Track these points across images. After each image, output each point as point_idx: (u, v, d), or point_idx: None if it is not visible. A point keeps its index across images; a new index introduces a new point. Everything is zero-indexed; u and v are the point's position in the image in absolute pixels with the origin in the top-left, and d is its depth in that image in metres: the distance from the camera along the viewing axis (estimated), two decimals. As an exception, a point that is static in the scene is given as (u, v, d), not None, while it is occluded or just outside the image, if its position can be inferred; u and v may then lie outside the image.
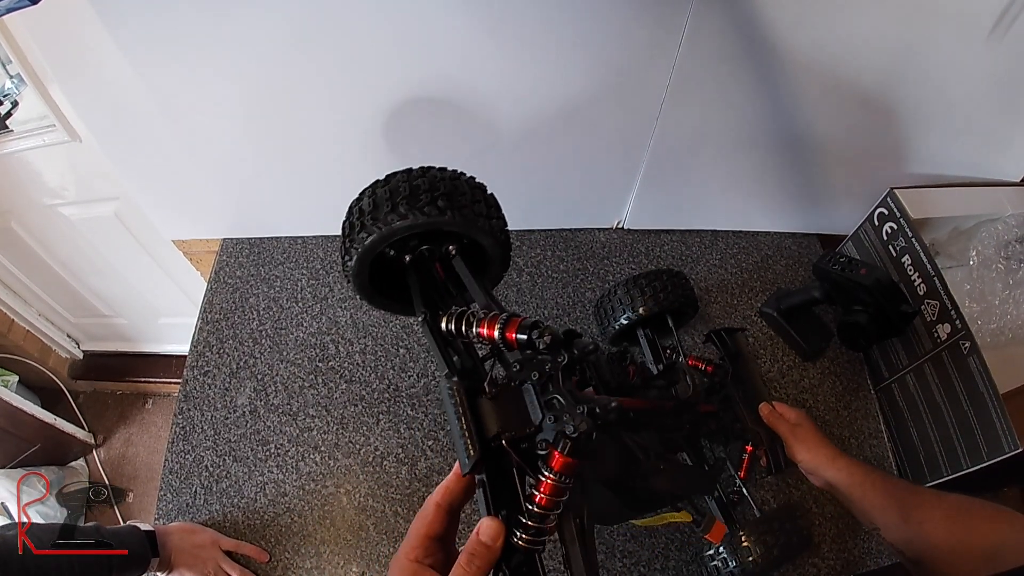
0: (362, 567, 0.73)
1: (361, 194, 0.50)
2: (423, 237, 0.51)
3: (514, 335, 0.40)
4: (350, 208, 0.51)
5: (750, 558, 0.61)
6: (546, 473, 0.35)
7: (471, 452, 0.35)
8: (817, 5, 0.65)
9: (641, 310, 0.76)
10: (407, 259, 0.51)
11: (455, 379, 0.39)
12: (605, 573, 0.73)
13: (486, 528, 0.35)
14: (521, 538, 0.35)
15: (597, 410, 0.36)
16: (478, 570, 0.34)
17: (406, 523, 0.75)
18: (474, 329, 0.42)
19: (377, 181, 0.50)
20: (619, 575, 0.73)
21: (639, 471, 0.47)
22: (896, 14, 0.67)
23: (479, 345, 0.43)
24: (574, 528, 0.37)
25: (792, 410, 0.71)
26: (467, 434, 0.36)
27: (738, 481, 0.72)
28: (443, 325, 0.44)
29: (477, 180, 0.52)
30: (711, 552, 0.65)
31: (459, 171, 0.51)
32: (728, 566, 0.63)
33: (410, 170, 0.49)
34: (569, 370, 0.38)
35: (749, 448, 0.73)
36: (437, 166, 0.51)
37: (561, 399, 0.37)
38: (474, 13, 0.65)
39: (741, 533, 0.63)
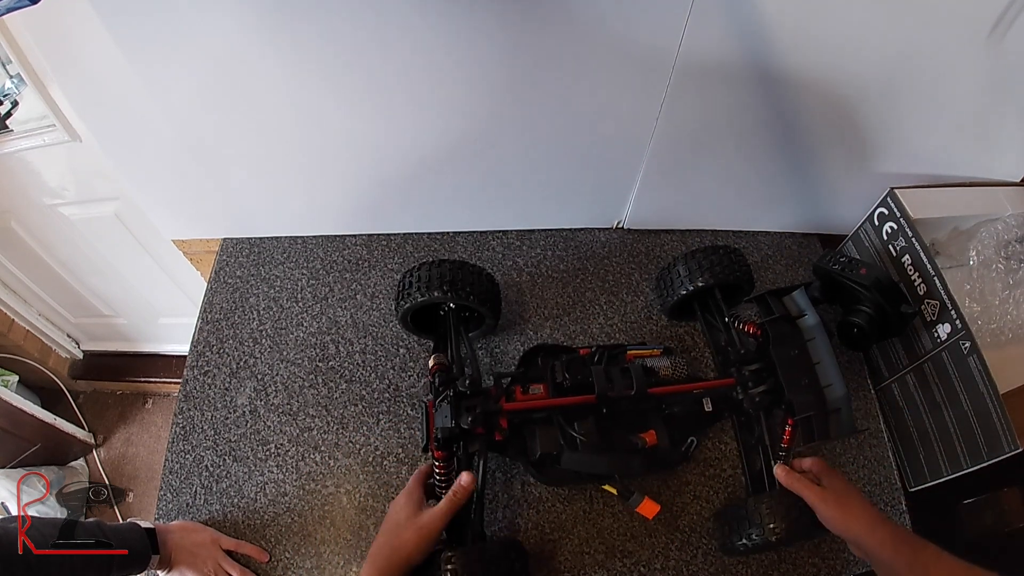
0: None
1: (405, 273, 0.76)
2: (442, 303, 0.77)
3: (433, 373, 0.70)
4: (399, 281, 0.77)
5: (770, 525, 0.65)
6: (434, 456, 0.66)
7: (425, 441, 0.66)
8: (817, 5, 0.65)
9: (700, 282, 0.80)
10: (442, 311, 0.80)
11: (428, 398, 0.70)
12: (605, 573, 0.73)
13: (465, 477, 0.64)
14: (440, 487, 0.66)
15: (462, 422, 0.64)
16: (459, 500, 0.63)
17: (406, 523, 0.75)
18: (430, 364, 0.72)
19: (414, 266, 0.75)
20: (619, 575, 0.73)
21: (556, 455, 0.69)
22: (896, 14, 0.67)
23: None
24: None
25: (811, 462, 0.67)
26: (426, 430, 0.67)
27: (780, 451, 0.72)
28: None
29: (482, 268, 0.77)
30: (744, 513, 0.69)
31: (467, 261, 0.76)
32: (751, 531, 0.67)
33: (432, 262, 0.75)
34: (458, 396, 0.66)
35: (791, 420, 0.71)
36: (452, 258, 0.75)
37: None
38: (473, 13, 0.65)
39: (765, 503, 0.67)
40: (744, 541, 0.68)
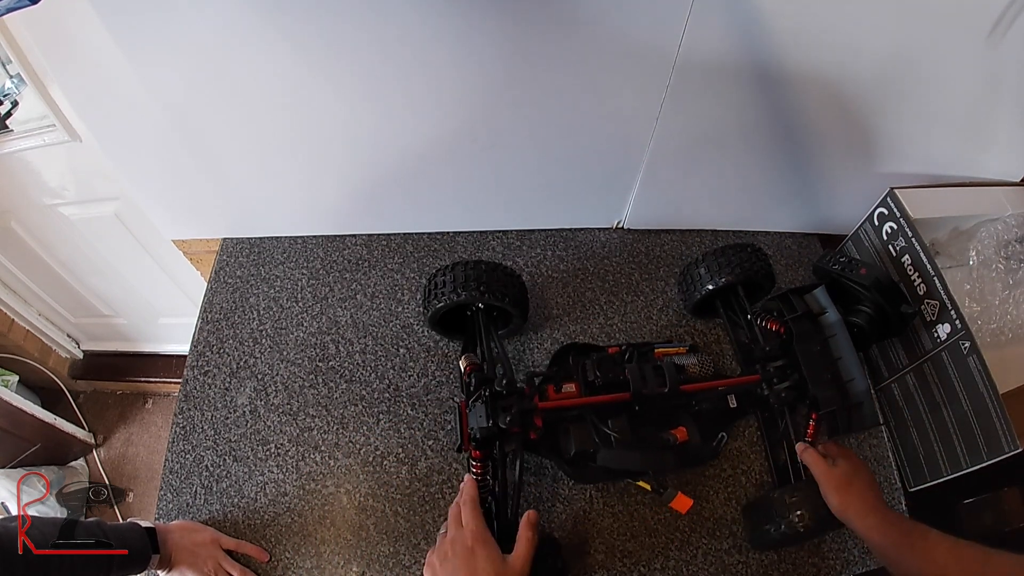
0: (362, 567, 0.73)
1: (437, 272, 0.76)
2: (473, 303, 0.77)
3: (467, 374, 0.70)
4: (430, 280, 0.77)
5: (797, 513, 0.66)
6: (471, 456, 0.66)
7: (459, 440, 0.66)
8: (817, 5, 0.66)
9: (723, 280, 0.80)
10: (469, 312, 0.79)
11: (461, 399, 0.69)
12: (605, 573, 0.73)
13: (533, 515, 0.61)
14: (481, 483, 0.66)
15: (500, 422, 0.64)
16: (537, 539, 0.59)
17: (406, 523, 0.75)
18: (461, 366, 0.72)
19: (447, 265, 0.76)
20: (619, 575, 0.73)
21: (591, 452, 0.70)
22: (896, 14, 0.67)
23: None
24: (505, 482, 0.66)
25: (834, 447, 0.69)
26: (459, 430, 0.66)
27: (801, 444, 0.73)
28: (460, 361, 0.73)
29: (511, 268, 0.78)
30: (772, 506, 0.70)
31: (500, 263, 0.77)
32: (780, 521, 0.68)
33: (467, 262, 0.75)
34: (494, 396, 0.66)
35: (815, 415, 0.72)
36: (486, 260, 0.76)
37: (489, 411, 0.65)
38: (472, 12, 0.65)
39: (790, 494, 0.68)
40: (773, 533, 0.68)
